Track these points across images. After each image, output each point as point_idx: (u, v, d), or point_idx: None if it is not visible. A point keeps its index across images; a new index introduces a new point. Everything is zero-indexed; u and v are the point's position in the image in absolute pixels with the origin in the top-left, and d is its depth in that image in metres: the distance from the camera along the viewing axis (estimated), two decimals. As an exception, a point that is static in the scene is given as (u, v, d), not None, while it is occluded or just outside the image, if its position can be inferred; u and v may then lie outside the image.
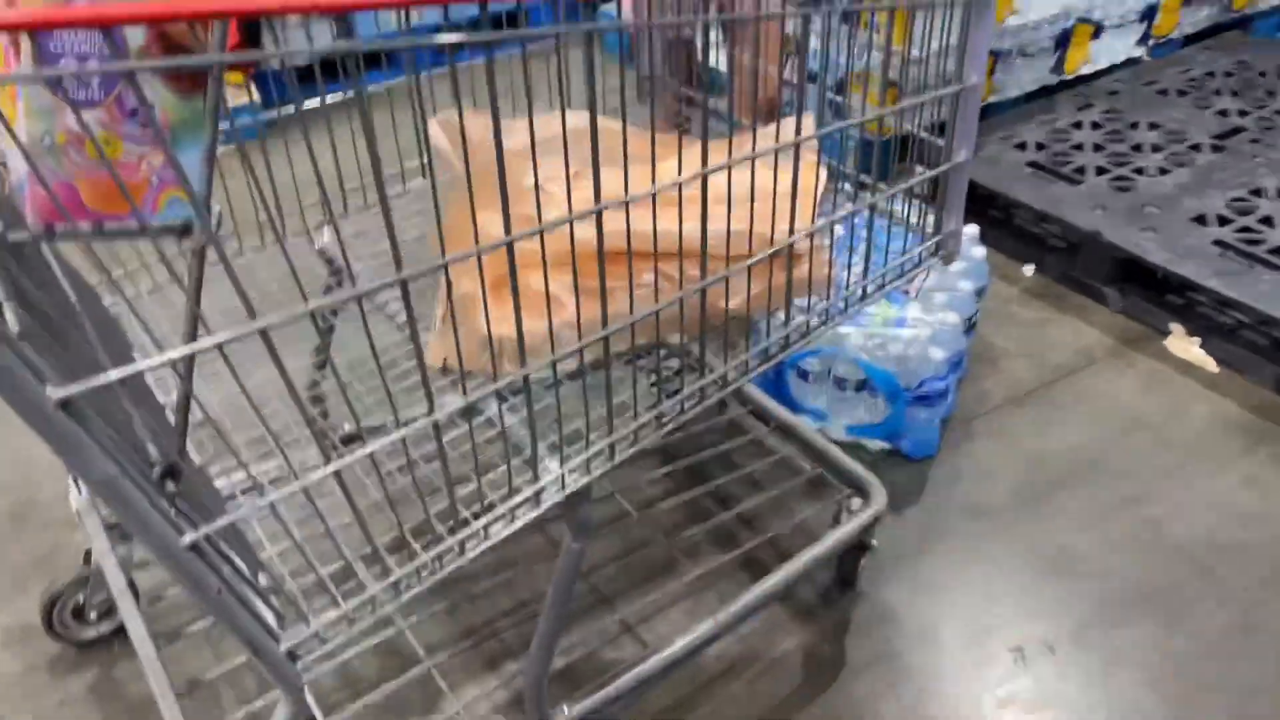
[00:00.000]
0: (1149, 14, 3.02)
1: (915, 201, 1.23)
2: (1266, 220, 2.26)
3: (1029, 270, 2.41)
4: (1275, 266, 2.12)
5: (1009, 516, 1.78)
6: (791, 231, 1.04)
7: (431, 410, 0.85)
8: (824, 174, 1.23)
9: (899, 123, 1.16)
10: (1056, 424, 1.98)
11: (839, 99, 1.45)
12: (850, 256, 1.19)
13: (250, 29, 1.00)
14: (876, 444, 1.92)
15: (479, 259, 0.89)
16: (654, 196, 0.99)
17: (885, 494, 1.54)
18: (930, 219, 1.23)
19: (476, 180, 1.12)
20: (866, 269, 1.17)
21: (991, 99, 2.79)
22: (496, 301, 1.20)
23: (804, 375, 1.90)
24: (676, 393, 1.08)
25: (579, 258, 1.12)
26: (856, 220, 1.19)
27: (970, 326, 1.99)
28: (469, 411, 0.92)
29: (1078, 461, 1.89)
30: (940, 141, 1.18)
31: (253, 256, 1.40)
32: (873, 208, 1.17)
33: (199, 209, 0.80)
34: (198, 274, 0.87)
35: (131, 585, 1.35)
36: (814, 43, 1.03)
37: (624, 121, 1.19)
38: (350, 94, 0.69)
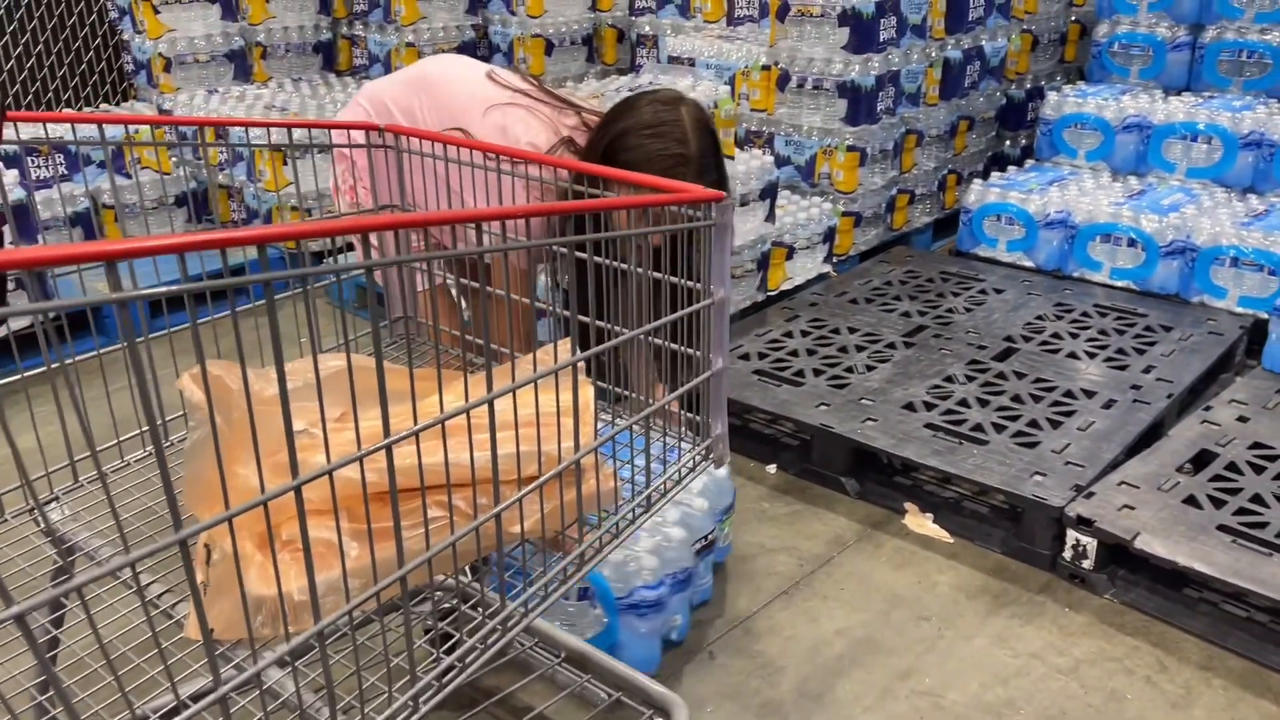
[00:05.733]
0: (830, 235, 3.44)
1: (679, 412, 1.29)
2: (963, 403, 2.55)
3: (771, 469, 2.55)
4: (979, 442, 2.37)
5: (801, 710, 1.80)
6: (577, 448, 1.05)
7: (217, 683, 0.75)
8: (590, 392, 1.26)
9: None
10: (824, 612, 2.05)
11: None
12: (629, 470, 1.21)
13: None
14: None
15: (230, 523, 0.80)
16: (416, 435, 0.96)
17: (687, 710, 1.51)
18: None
19: (234, 433, 1.05)
20: (649, 479, 1.19)
21: (711, 317, 3.02)
22: (263, 560, 1.11)
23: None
24: (456, 644, 1.02)
25: (350, 501, 1.07)
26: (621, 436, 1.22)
27: (707, 545, 1.97)
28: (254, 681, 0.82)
29: (851, 645, 1.95)
30: (697, 353, 1.25)
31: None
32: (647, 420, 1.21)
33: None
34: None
35: None
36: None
37: (379, 359, 1.17)
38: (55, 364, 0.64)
